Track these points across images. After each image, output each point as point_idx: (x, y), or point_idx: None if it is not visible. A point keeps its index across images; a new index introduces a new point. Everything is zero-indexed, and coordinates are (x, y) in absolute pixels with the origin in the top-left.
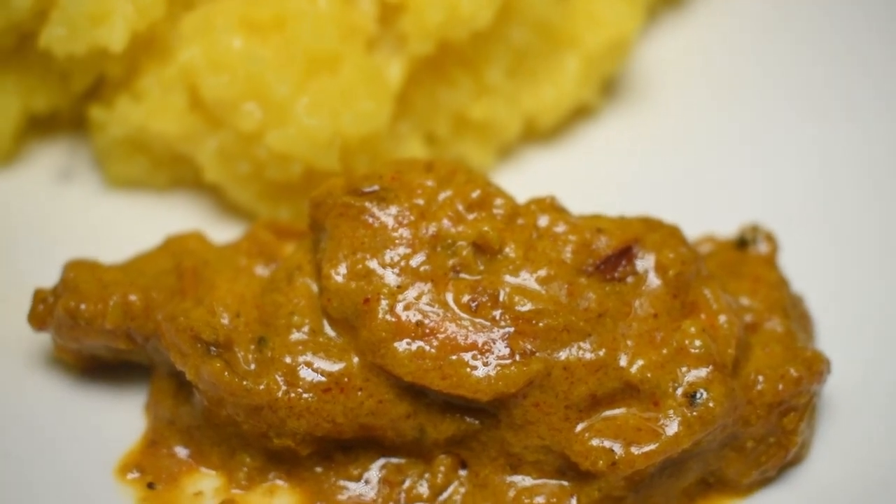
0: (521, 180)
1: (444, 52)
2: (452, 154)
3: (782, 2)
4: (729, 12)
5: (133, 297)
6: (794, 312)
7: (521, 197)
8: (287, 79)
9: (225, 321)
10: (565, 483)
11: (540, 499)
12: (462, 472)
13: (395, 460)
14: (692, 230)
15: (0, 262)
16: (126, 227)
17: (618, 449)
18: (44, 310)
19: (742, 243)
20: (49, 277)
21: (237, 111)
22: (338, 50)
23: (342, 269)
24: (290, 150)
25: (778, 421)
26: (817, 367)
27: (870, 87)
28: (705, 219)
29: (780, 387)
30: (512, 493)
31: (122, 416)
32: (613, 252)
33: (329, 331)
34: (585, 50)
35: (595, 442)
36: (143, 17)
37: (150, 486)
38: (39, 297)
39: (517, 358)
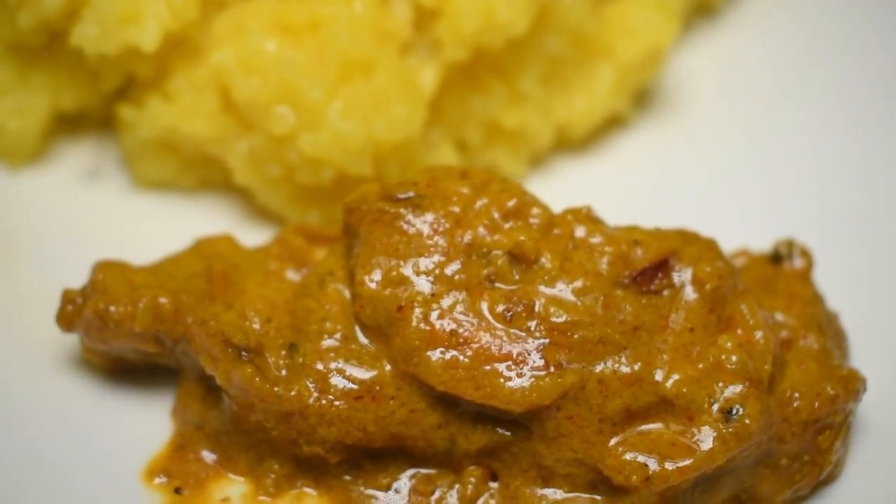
0: (553, 190)
1: (478, 59)
2: (484, 162)
3: (818, 12)
4: (763, 22)
5: (163, 300)
6: (830, 329)
7: (553, 206)
8: (320, 83)
9: (256, 326)
10: (597, 497)
11: None
12: (493, 485)
13: (424, 471)
14: (726, 243)
15: (27, 261)
16: (154, 228)
17: (652, 464)
18: (72, 311)
19: (777, 258)
20: (76, 277)
21: (269, 114)
22: (372, 55)
23: (376, 276)
24: (322, 154)
25: (813, 439)
26: (853, 385)
27: None
28: (739, 232)
29: (816, 405)
30: None
31: (150, 420)
32: (650, 264)
33: (361, 338)
34: (619, 60)
35: (629, 456)
36: (176, 18)
37: (177, 490)
38: (68, 297)
39: (552, 370)
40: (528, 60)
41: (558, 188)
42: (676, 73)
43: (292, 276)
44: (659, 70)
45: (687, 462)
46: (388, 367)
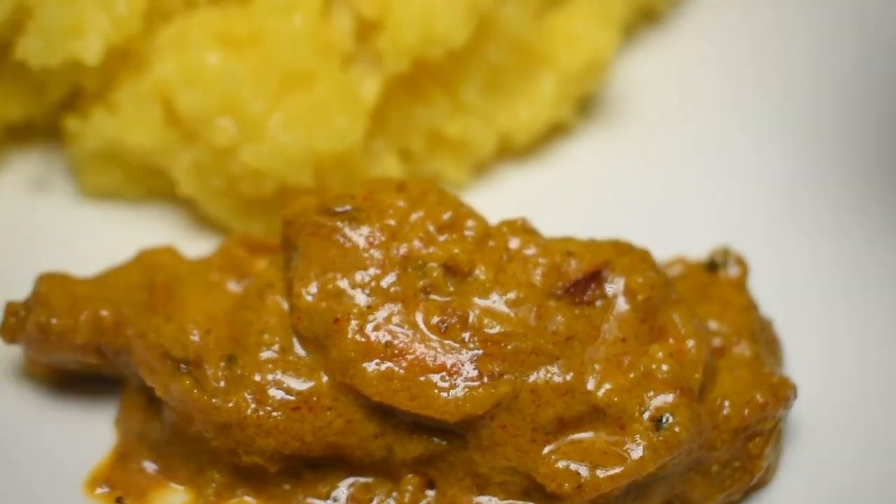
0: (496, 198)
1: (420, 70)
2: (427, 171)
3: (762, 19)
4: (706, 32)
5: (104, 313)
6: (763, 336)
7: (496, 214)
8: (261, 95)
9: (195, 338)
10: None
11: None
12: (430, 493)
13: (363, 479)
14: (664, 251)
15: None
16: (100, 237)
17: (584, 472)
18: (15, 323)
19: (712, 266)
20: (21, 287)
21: (211, 126)
22: (313, 67)
23: (313, 289)
24: (264, 165)
25: (743, 446)
26: (783, 392)
27: (841, 112)
28: (677, 240)
29: (746, 412)
30: None
31: (93, 430)
32: (583, 275)
33: (299, 350)
34: (561, 69)
35: (561, 464)
36: (120, 31)
37: (119, 501)
38: (11, 309)
39: (485, 380)
40: (469, 70)
41: (501, 197)
42: (621, 81)
43: (234, 287)
44: (602, 78)
45: (618, 470)
46: (324, 379)
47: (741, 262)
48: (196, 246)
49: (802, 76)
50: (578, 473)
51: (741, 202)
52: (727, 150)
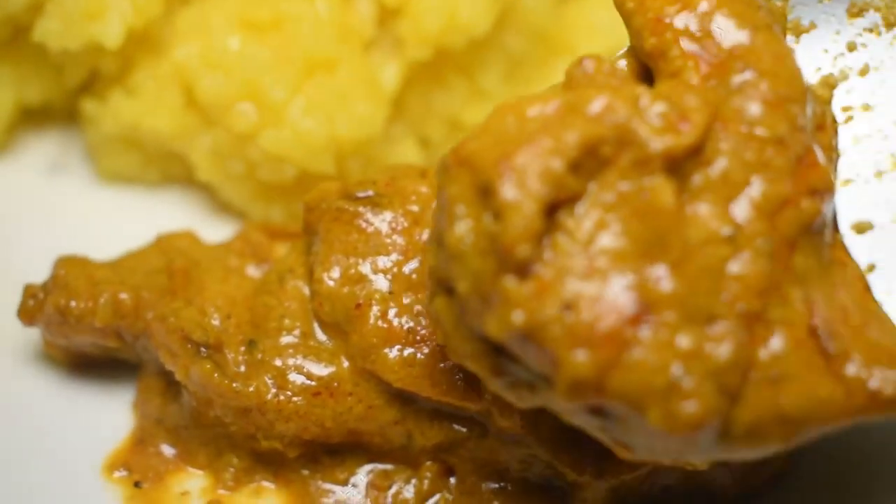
0: None
1: (440, 57)
2: None
3: None
4: None
5: (123, 296)
6: None
7: None
8: (283, 80)
9: (216, 322)
10: (552, 492)
11: None
12: (450, 480)
13: (381, 466)
14: None
15: None
16: (116, 221)
17: (604, 459)
18: (34, 305)
19: None
20: (38, 269)
21: (232, 111)
22: (335, 53)
23: (335, 274)
24: (284, 152)
25: None
26: None
27: None
28: None
29: None
30: (498, 502)
31: (111, 414)
32: None
33: (320, 335)
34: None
35: (582, 451)
36: (140, 14)
37: (137, 484)
38: (29, 292)
39: None
40: (489, 58)
41: None
42: None
43: (253, 272)
44: None
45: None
46: (345, 364)
47: None
48: (213, 231)
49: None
50: (598, 461)
51: None
52: None
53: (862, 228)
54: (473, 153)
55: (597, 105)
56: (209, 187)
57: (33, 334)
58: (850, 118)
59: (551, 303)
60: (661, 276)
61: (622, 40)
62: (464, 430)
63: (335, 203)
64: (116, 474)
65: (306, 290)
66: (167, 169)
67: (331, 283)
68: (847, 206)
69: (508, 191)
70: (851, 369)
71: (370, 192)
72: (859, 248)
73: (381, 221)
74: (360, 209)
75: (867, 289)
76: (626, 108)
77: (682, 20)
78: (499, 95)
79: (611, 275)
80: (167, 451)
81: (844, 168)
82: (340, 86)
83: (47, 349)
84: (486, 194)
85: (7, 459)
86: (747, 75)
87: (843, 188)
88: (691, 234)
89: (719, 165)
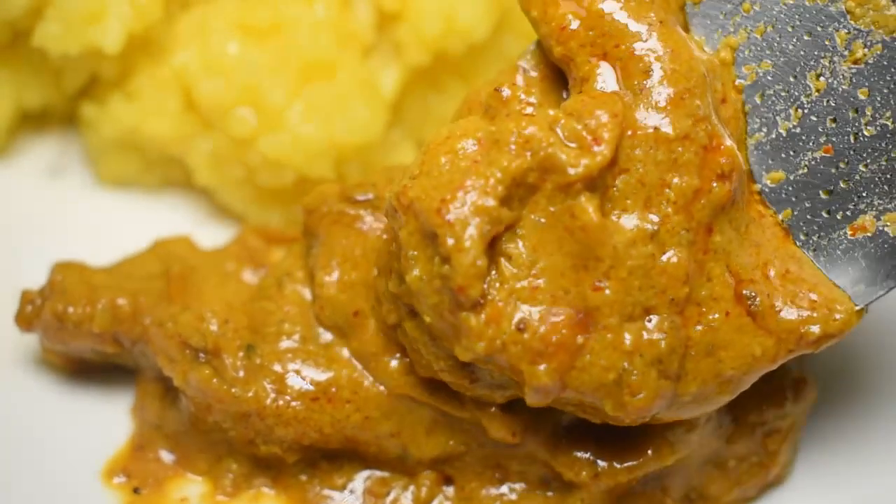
0: None
1: (439, 62)
2: None
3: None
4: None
5: (121, 301)
6: None
7: None
8: (282, 85)
9: (213, 327)
10: (549, 493)
11: None
12: (448, 489)
13: (379, 473)
14: None
15: None
16: (115, 225)
17: (601, 461)
18: (31, 311)
19: None
20: (35, 274)
21: (231, 116)
22: (333, 57)
23: (334, 277)
24: (283, 156)
25: (761, 441)
26: (803, 390)
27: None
28: None
29: (764, 407)
30: None
31: (109, 420)
32: None
33: (320, 339)
34: None
35: (579, 453)
36: (139, 18)
37: (136, 490)
38: (27, 298)
39: None
40: (488, 63)
41: None
42: None
43: (250, 277)
44: None
45: (635, 462)
46: (344, 371)
47: None
48: (211, 236)
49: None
50: (596, 463)
51: None
52: None
53: (775, 179)
54: (415, 200)
55: (518, 138)
56: (208, 191)
57: (31, 340)
58: (753, 76)
59: (506, 326)
60: (598, 285)
61: None
62: (461, 446)
63: (335, 206)
64: (115, 480)
65: (305, 294)
66: (166, 173)
67: (331, 288)
68: (759, 159)
69: (450, 239)
70: (778, 320)
71: (370, 196)
72: (775, 196)
73: (380, 224)
74: (361, 212)
75: (786, 234)
76: (545, 136)
77: (582, 26)
78: None
79: (553, 291)
80: (166, 456)
81: (755, 122)
82: (339, 90)
83: (45, 355)
84: (432, 239)
85: (6, 466)
86: (649, 78)
87: (754, 143)
88: (618, 240)
89: (634, 172)
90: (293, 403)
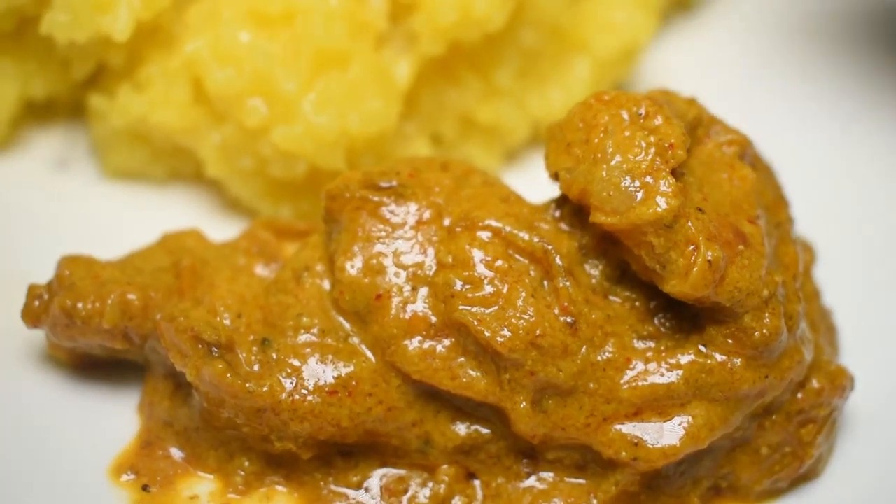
0: (526, 184)
1: (454, 52)
2: (458, 156)
3: (794, 7)
4: (741, 18)
5: (131, 296)
6: (823, 324)
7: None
8: (294, 75)
9: (227, 321)
10: (582, 481)
11: (557, 501)
12: (475, 482)
13: (395, 470)
14: None
15: None
16: (122, 218)
17: (641, 441)
18: (38, 307)
19: None
20: (41, 267)
21: (242, 106)
22: (347, 47)
23: (357, 263)
24: (295, 147)
25: (795, 431)
26: (840, 381)
27: (891, 93)
28: None
29: (800, 396)
30: (528, 500)
31: (117, 416)
32: None
33: (339, 331)
34: (596, 55)
35: (620, 427)
36: (149, 6)
37: (145, 488)
38: (34, 293)
39: None
40: (504, 54)
41: (533, 182)
42: (652, 69)
43: (261, 271)
44: (636, 65)
45: (675, 442)
46: (365, 364)
47: (808, 249)
48: (221, 229)
49: (837, 63)
50: (635, 443)
51: (792, 189)
52: (765, 137)
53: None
54: None
55: None
56: (217, 184)
57: (36, 334)
58: None
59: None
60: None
61: (636, 36)
62: (487, 431)
63: (358, 192)
64: (124, 478)
65: (325, 287)
66: (175, 165)
67: (353, 272)
68: None
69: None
70: None
71: (394, 182)
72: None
73: (405, 212)
74: (385, 199)
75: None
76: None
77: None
78: (512, 92)
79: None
80: (176, 454)
81: None
82: (353, 80)
83: (51, 350)
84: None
85: (12, 465)
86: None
87: None
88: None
89: None
90: (309, 398)
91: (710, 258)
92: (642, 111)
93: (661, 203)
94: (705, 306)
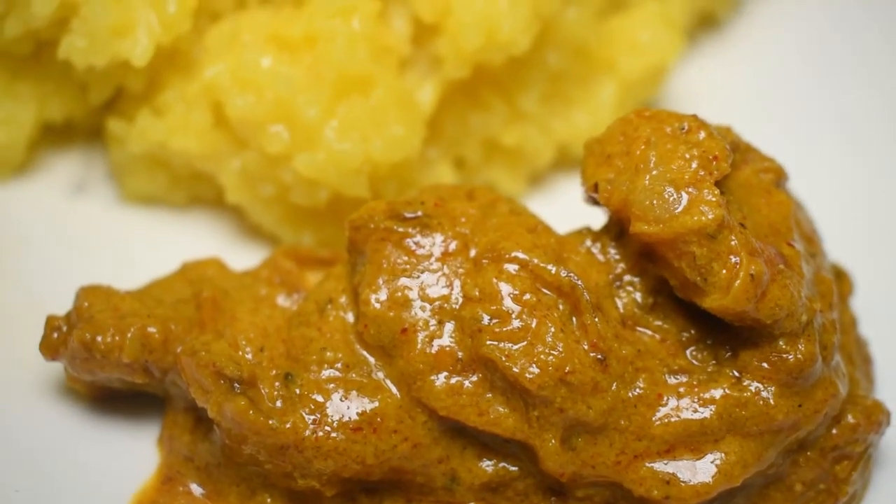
0: (551, 209)
1: (478, 75)
2: (482, 180)
3: (823, 25)
4: (768, 35)
5: (152, 329)
6: (859, 356)
7: (553, 226)
8: (316, 100)
9: (249, 356)
10: None
11: None
12: None
13: None
14: None
15: (10, 276)
16: (141, 244)
17: (674, 478)
18: (57, 339)
19: None
20: (58, 293)
21: (263, 132)
22: (370, 71)
23: (382, 296)
24: (318, 174)
25: (830, 467)
26: (876, 416)
27: None
28: None
29: (835, 431)
30: None
31: (137, 449)
32: None
33: (364, 366)
34: (622, 75)
35: (654, 466)
36: (168, 31)
37: None
38: (52, 324)
39: None
40: (529, 76)
41: (558, 207)
42: (678, 88)
43: (283, 301)
44: (662, 85)
45: (707, 479)
46: (390, 399)
47: (846, 279)
48: (241, 256)
49: (863, 79)
50: (667, 482)
51: (822, 213)
52: (794, 159)
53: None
54: None
55: None
56: (238, 210)
57: (55, 366)
58: None
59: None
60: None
61: (663, 57)
62: (514, 469)
63: (383, 223)
64: None
65: (349, 320)
66: (194, 190)
67: (377, 305)
68: None
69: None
70: None
71: (419, 213)
72: None
73: (430, 243)
74: (410, 230)
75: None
76: None
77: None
78: (537, 115)
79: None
80: (196, 490)
81: None
82: (376, 106)
83: (70, 382)
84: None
85: (28, 498)
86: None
87: None
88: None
89: None
90: (333, 434)
91: (752, 272)
92: (685, 126)
93: (706, 212)
94: (744, 324)
